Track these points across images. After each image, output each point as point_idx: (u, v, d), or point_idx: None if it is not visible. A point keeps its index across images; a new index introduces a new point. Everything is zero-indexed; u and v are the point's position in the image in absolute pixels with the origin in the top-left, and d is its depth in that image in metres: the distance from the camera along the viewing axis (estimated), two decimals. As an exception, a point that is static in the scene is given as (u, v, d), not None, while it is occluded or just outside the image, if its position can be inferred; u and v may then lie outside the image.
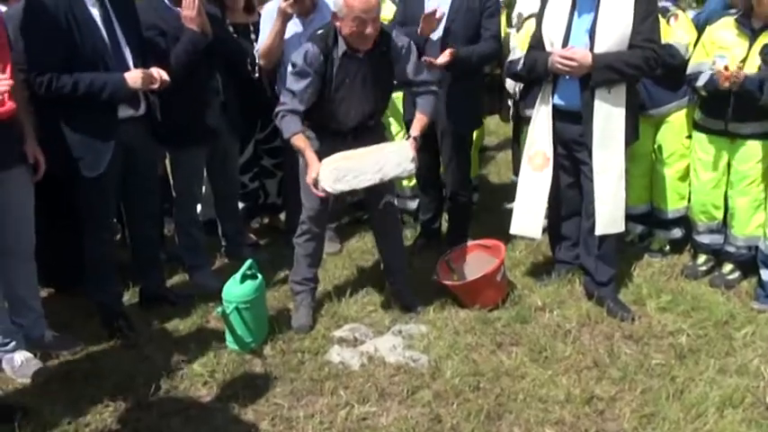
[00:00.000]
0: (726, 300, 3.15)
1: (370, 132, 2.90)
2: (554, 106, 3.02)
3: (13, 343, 2.63)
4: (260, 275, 2.91)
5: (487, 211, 4.40)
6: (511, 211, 4.34)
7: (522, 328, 2.92)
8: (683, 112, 3.41)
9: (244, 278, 2.82)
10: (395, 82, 2.94)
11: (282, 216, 4.13)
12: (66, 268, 3.20)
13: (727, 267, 3.33)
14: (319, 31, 2.74)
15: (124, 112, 2.79)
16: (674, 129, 3.43)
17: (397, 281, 3.17)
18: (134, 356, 2.76)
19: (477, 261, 3.26)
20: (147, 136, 2.95)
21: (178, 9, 3.02)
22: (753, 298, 3.13)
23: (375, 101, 2.86)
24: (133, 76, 2.69)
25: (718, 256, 3.40)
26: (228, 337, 2.81)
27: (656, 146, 3.49)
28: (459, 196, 3.66)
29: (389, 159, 2.68)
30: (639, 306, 3.09)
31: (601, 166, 2.92)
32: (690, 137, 3.39)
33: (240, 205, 3.82)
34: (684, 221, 3.58)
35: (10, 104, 2.41)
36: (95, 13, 2.68)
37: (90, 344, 2.84)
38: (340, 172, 2.63)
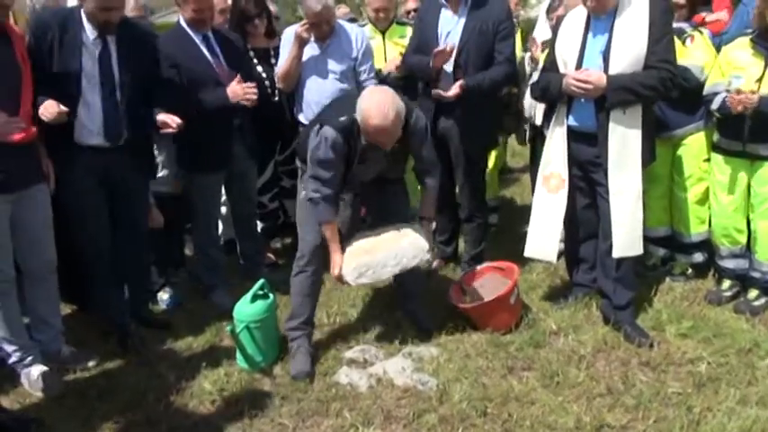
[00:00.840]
0: (750, 327, 3.04)
1: (390, 183, 3.02)
2: (569, 127, 2.99)
3: (31, 357, 2.71)
4: (271, 295, 2.95)
5: (507, 233, 4.36)
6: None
7: (536, 352, 2.87)
8: (701, 134, 3.33)
9: (255, 298, 2.86)
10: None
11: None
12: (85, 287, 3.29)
13: (753, 293, 3.22)
14: (342, 119, 2.66)
15: (95, 140, 2.78)
16: (692, 151, 3.36)
17: (413, 303, 3.16)
18: (147, 373, 2.81)
19: (491, 283, 3.22)
20: (131, 164, 2.92)
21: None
22: (779, 325, 3.02)
23: (395, 167, 2.97)
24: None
25: (744, 281, 3.29)
26: (239, 355, 2.83)
27: (673, 168, 3.42)
28: (474, 218, 3.64)
29: (406, 252, 2.78)
30: (658, 332, 3.01)
31: (617, 188, 2.88)
32: (708, 160, 3.31)
33: (260, 225, 3.88)
34: (707, 245, 3.49)
35: (33, 129, 2.53)
36: (89, 44, 2.71)
37: (105, 360, 2.91)
38: (362, 268, 2.76)
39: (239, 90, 3.15)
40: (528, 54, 3.75)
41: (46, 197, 2.68)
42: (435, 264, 3.78)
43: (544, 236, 3.12)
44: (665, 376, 2.68)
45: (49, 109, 2.55)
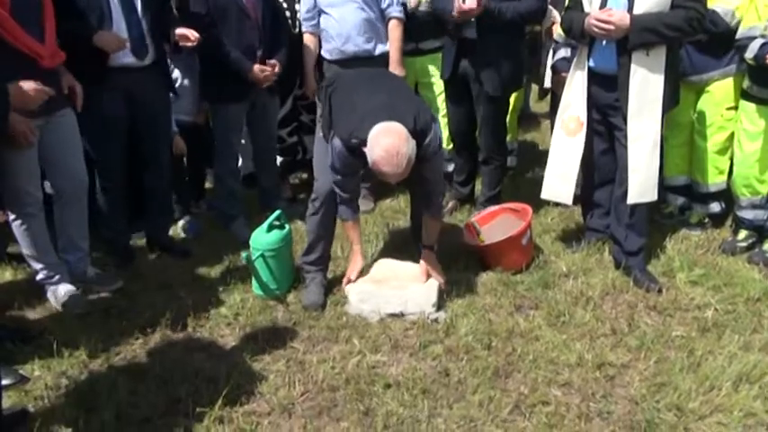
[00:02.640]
0: (762, 277, 3.03)
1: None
2: (589, 69, 2.93)
3: (58, 276, 2.83)
4: (287, 226, 3.01)
5: (524, 176, 4.35)
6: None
7: (544, 292, 2.91)
8: (727, 81, 3.22)
9: (271, 228, 2.92)
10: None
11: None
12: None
13: (769, 244, 3.20)
14: (354, 141, 2.53)
15: (125, 59, 2.85)
16: (715, 99, 3.26)
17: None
18: (166, 296, 2.92)
19: (504, 224, 3.24)
20: (154, 85, 3.00)
21: None
22: (791, 277, 3.01)
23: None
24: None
25: (761, 232, 3.25)
26: (254, 282, 2.92)
27: (694, 116, 3.34)
28: (493, 160, 3.63)
29: (412, 299, 2.74)
30: (669, 278, 3.02)
31: (635, 134, 2.84)
32: (731, 108, 3.22)
33: (278, 159, 3.92)
34: (724, 196, 3.44)
35: (60, 53, 2.56)
36: None
37: (127, 283, 3.02)
38: (366, 295, 2.76)
39: (260, 75, 3.27)
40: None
41: (72, 121, 2.73)
42: (450, 205, 3.79)
43: (561, 179, 3.11)
44: (670, 320, 2.71)
45: (112, 43, 2.71)
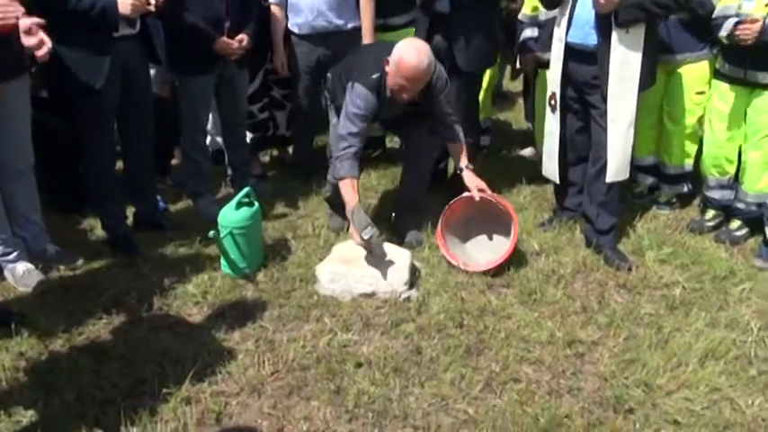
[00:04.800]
0: (728, 256, 3.09)
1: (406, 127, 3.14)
2: (567, 44, 2.91)
3: (16, 253, 2.73)
4: (256, 203, 2.95)
5: (498, 155, 4.35)
6: (521, 157, 4.37)
7: (516, 271, 2.92)
8: (699, 64, 3.24)
9: (239, 205, 2.86)
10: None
11: (291, 150, 4.14)
12: (70, 192, 3.32)
13: (735, 224, 3.25)
14: (374, 76, 2.82)
15: (121, 30, 2.78)
16: (686, 81, 3.28)
17: (407, 216, 3.20)
18: (131, 275, 2.85)
19: (483, 220, 3.11)
20: (142, 55, 2.95)
21: None
22: (756, 255, 3.06)
23: (416, 112, 3.04)
24: (124, 2, 2.65)
25: (728, 212, 3.31)
26: (223, 261, 2.87)
27: (665, 98, 3.36)
28: (465, 137, 3.59)
29: (384, 278, 2.72)
30: (638, 257, 3.06)
31: (615, 112, 2.85)
32: (701, 93, 3.26)
33: (249, 136, 3.83)
34: (692, 176, 3.49)
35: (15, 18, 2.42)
36: None
37: (89, 260, 2.94)
38: (336, 275, 2.74)
39: (226, 48, 3.17)
40: None
41: (25, 92, 2.61)
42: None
43: (548, 156, 3.14)
44: (639, 298, 2.75)
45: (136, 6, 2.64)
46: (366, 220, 2.74)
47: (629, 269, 2.93)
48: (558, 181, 3.22)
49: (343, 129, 2.84)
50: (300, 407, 2.13)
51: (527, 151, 4.37)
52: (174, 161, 3.97)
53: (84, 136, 2.88)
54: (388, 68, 2.78)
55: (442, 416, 2.09)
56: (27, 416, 2.04)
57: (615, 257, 2.98)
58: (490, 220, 3.08)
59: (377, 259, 2.79)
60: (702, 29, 3.13)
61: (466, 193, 3.02)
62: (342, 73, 3.00)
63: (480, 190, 2.96)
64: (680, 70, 3.28)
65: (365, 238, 2.71)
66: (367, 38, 3.55)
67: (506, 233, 2.98)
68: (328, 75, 3.15)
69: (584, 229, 3.16)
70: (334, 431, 2.03)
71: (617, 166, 2.93)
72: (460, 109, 3.47)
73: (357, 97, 2.81)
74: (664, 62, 3.24)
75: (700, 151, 3.40)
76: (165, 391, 2.14)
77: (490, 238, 3.13)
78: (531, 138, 4.22)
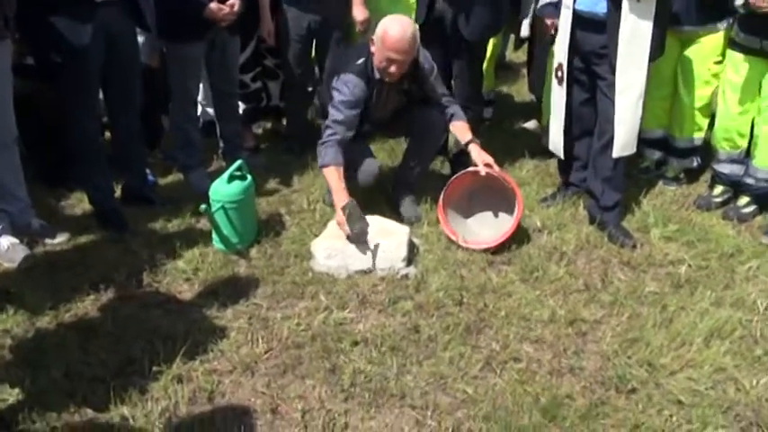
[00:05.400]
0: (736, 233, 3.08)
1: (400, 118, 3.15)
2: (575, 12, 2.85)
3: (0, 227, 2.70)
4: (249, 177, 2.92)
5: (500, 128, 4.31)
6: (524, 130, 4.34)
7: (518, 247, 2.91)
8: (717, 35, 3.18)
9: (231, 178, 2.84)
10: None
11: (285, 121, 4.10)
12: (56, 165, 3.28)
13: (744, 200, 3.23)
14: (359, 62, 2.88)
15: None
16: (704, 51, 3.22)
17: (405, 192, 3.20)
18: (119, 250, 2.83)
19: (487, 196, 3.10)
20: (128, 21, 2.89)
21: None
22: (764, 232, 3.05)
23: (409, 101, 3.11)
24: None
25: (737, 188, 3.29)
26: (215, 236, 2.85)
27: (680, 68, 3.31)
28: (468, 110, 3.54)
29: (381, 254, 2.72)
30: (643, 234, 3.05)
31: (623, 84, 2.81)
32: (719, 62, 3.20)
33: (241, 107, 3.79)
34: (702, 150, 3.47)
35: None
36: None
37: (77, 235, 2.92)
38: (332, 251, 2.72)
39: (217, 13, 3.10)
40: None
41: (5, 58, 2.55)
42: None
43: (554, 131, 3.11)
44: (644, 276, 2.74)
45: None
46: (361, 220, 2.73)
47: (634, 246, 2.92)
48: (562, 156, 3.20)
49: (329, 118, 2.88)
50: (295, 385, 2.13)
51: (530, 124, 4.33)
52: (163, 133, 3.92)
53: (69, 101, 2.82)
54: (373, 48, 2.85)
55: (441, 395, 2.10)
56: (14, 394, 2.04)
57: (619, 234, 2.97)
58: (494, 196, 3.06)
59: (375, 235, 2.77)
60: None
61: (471, 168, 3.00)
62: (327, 79, 3.08)
63: (487, 165, 2.95)
64: (696, 40, 3.22)
65: (355, 232, 2.70)
66: (356, 5, 3.50)
67: (510, 210, 2.96)
68: (318, 89, 3.24)
69: (588, 205, 3.15)
70: (329, 410, 2.03)
71: (624, 141, 2.90)
72: (464, 81, 3.44)
73: (344, 84, 2.87)
74: (679, 32, 3.18)
75: (711, 125, 3.37)
76: (155, 369, 2.14)
77: (494, 215, 3.12)
78: (535, 110, 4.18)
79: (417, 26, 2.88)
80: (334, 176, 2.81)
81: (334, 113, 2.88)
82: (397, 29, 2.78)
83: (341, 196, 2.77)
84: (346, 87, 2.86)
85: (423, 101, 3.12)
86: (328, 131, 2.87)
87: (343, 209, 2.73)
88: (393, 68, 2.84)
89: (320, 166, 2.87)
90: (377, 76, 2.91)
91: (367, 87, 2.90)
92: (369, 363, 2.21)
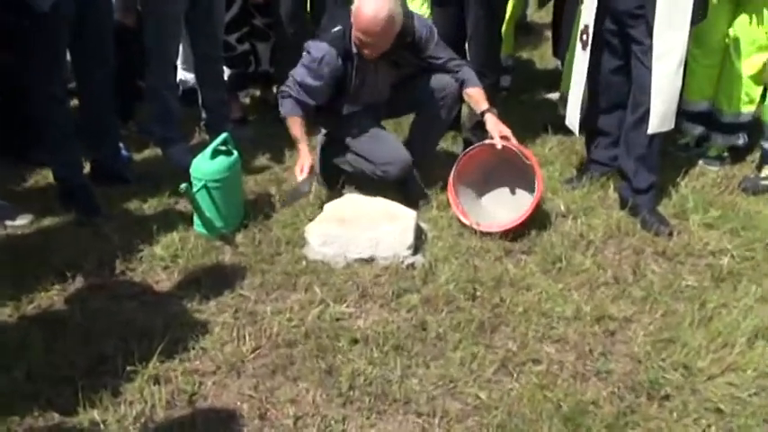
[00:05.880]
0: (786, 220, 3.07)
1: (404, 90, 3.14)
2: (608, -34, 2.83)
3: (-46, 208, 2.71)
4: (235, 152, 2.92)
5: (520, 98, 4.30)
6: (547, 101, 4.32)
7: (538, 234, 2.91)
8: None
9: (216, 153, 2.83)
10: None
11: (276, 89, 4.07)
12: (17, 138, 3.28)
13: (796, 183, 3.23)
14: (336, 29, 2.87)
15: None
16: (759, 11, 3.17)
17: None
18: (89, 234, 2.83)
19: (504, 174, 3.09)
20: None
21: None
22: (819, 220, 3.05)
23: (401, 78, 3.12)
24: None
25: (790, 169, 3.28)
26: (196, 219, 2.85)
27: (731, 31, 3.27)
28: (483, 77, 3.51)
29: (384, 241, 2.71)
30: (681, 220, 3.05)
31: (661, 49, 2.79)
32: None
33: (226, 72, 3.79)
34: (749, 127, 3.44)
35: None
36: None
37: (41, 216, 2.93)
38: (329, 237, 2.72)
39: None
40: None
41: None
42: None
43: (572, 103, 3.09)
44: (680, 268, 2.74)
45: None
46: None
47: (670, 234, 2.91)
48: (577, 133, 3.18)
49: (294, 72, 2.92)
50: (286, 388, 2.14)
51: (554, 95, 4.30)
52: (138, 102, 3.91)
53: (32, 63, 2.80)
54: (352, 19, 2.83)
55: (450, 401, 2.11)
56: (-30, 396, 2.05)
57: (654, 221, 2.96)
58: (511, 174, 3.05)
59: (377, 219, 2.77)
60: None
61: (486, 141, 2.99)
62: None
63: (504, 138, 2.93)
64: (752, 2, 3.18)
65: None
66: None
67: (530, 190, 2.95)
68: None
69: (619, 188, 3.14)
70: (324, 416, 2.04)
71: (661, 114, 2.88)
72: (479, 44, 3.41)
73: (314, 49, 2.87)
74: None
75: (762, 98, 3.34)
76: (129, 368, 2.14)
77: (512, 195, 3.11)
78: (560, 78, 4.15)
79: (399, 8, 2.83)
80: (297, 131, 2.95)
81: (300, 71, 2.90)
82: (370, 7, 2.73)
83: (302, 145, 2.96)
84: (316, 52, 2.86)
85: (426, 70, 3.10)
86: (288, 83, 2.94)
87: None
88: (366, 51, 2.86)
89: (282, 115, 2.98)
90: (355, 49, 2.90)
91: (343, 62, 2.88)
92: (369, 363, 2.21)
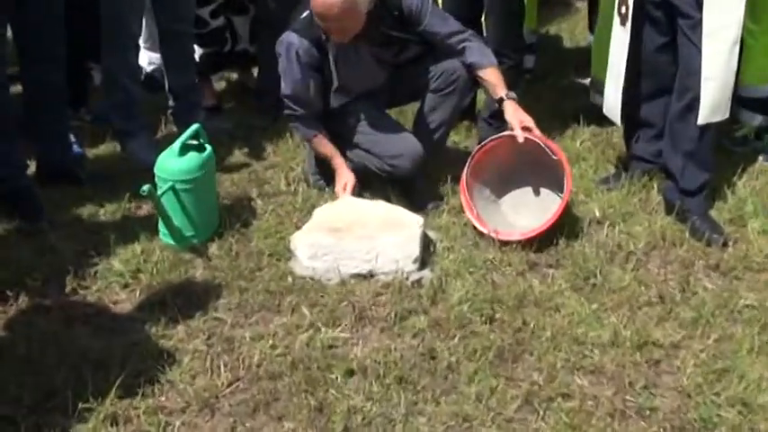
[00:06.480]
0: None
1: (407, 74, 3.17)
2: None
3: None
4: (208, 147, 2.94)
5: (546, 83, 4.32)
6: (580, 86, 4.33)
7: (568, 245, 2.91)
8: None
9: (185, 149, 2.84)
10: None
11: (256, 71, 4.11)
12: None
13: None
14: (304, 15, 2.92)
15: None
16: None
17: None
18: (34, 246, 2.85)
19: (527, 172, 3.11)
20: None
21: None
22: None
23: (400, 60, 3.15)
24: None
25: None
26: (162, 227, 2.87)
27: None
28: (503, 58, 3.53)
29: (385, 252, 2.72)
30: (738, 227, 3.06)
31: (714, 24, 2.80)
32: None
33: (197, 51, 3.82)
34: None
35: None
36: None
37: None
38: (319, 249, 2.73)
39: None
40: None
41: None
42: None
43: (611, 88, 3.12)
44: (737, 284, 2.75)
45: None
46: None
47: (725, 244, 2.92)
48: (619, 122, 3.19)
49: (282, 88, 3.05)
50: (269, 429, 2.14)
51: (588, 79, 4.31)
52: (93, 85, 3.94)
53: None
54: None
55: (464, 444, 2.11)
56: None
57: (705, 227, 2.97)
58: (535, 172, 3.07)
59: (376, 227, 2.78)
60: None
61: (505, 132, 3.00)
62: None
63: (525, 128, 2.93)
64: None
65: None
66: None
67: (558, 190, 2.96)
68: None
69: (664, 189, 3.15)
70: (314, 463, 2.05)
71: (713, 102, 2.89)
72: (497, 18, 3.43)
73: (284, 48, 2.97)
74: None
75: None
76: (82, 405, 2.14)
77: (536, 195, 3.13)
78: (593, 58, 4.17)
79: None
80: (321, 148, 3.06)
81: (282, 88, 3.04)
82: None
83: (338, 161, 3.07)
84: (287, 55, 2.96)
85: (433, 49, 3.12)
86: (284, 107, 3.09)
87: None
88: (333, 35, 2.90)
89: (305, 140, 3.14)
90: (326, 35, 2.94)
91: (318, 50, 2.94)
92: (368, 399, 2.21)
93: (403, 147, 3.06)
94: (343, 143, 3.13)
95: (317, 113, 3.07)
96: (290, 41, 2.94)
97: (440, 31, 3.06)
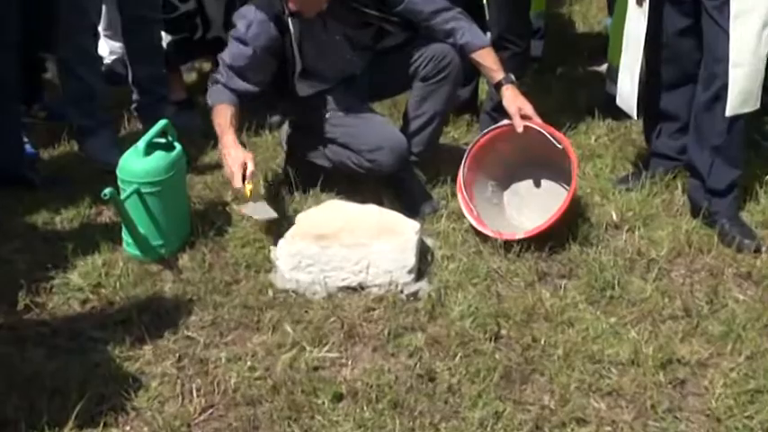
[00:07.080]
0: None
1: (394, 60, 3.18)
2: None
3: None
4: (178, 145, 2.94)
5: (556, 71, 4.36)
6: (594, 75, 4.36)
7: (582, 252, 2.93)
8: None
9: (151, 147, 2.85)
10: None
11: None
12: None
13: None
14: None
15: None
16: None
17: (413, 167, 3.23)
18: (-18, 257, 2.86)
19: (532, 165, 3.15)
20: None
21: None
22: None
23: (384, 43, 3.19)
24: None
25: None
26: (126, 236, 2.87)
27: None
28: (507, 44, 3.56)
29: (378, 261, 2.74)
30: (771, 231, 3.08)
31: (742, 4, 2.83)
32: None
33: (165, 39, 3.84)
34: None
35: None
36: None
37: None
38: (304, 259, 2.74)
39: None
40: None
41: None
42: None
43: (626, 77, 3.14)
44: (771, 295, 2.77)
45: None
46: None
47: (757, 251, 2.95)
48: (635, 115, 3.22)
49: (223, 54, 3.07)
50: (248, 461, 2.15)
51: (603, 66, 4.34)
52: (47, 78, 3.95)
53: None
54: None
55: (467, 475, 2.13)
56: None
57: (735, 231, 3.00)
58: (541, 168, 3.10)
59: (366, 234, 2.79)
60: None
61: (504, 121, 3.02)
62: None
63: (525, 116, 2.95)
64: None
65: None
66: None
67: (566, 182, 2.99)
68: None
69: (689, 189, 3.18)
70: (299, 498, 2.06)
71: (743, 90, 2.91)
72: (502, 1, 3.45)
73: (239, 19, 3.00)
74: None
75: None
76: (37, 436, 2.14)
77: (542, 195, 3.15)
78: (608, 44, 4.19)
79: None
80: (220, 119, 2.98)
81: (224, 54, 3.06)
82: None
83: (227, 138, 2.93)
84: (243, 24, 2.98)
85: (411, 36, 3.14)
86: (215, 71, 3.12)
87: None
88: (293, 6, 2.90)
89: (209, 104, 3.09)
90: (288, 9, 2.94)
91: (277, 26, 2.96)
92: (359, 426, 2.21)
93: (382, 138, 3.05)
94: (319, 138, 3.13)
95: (243, 89, 3.02)
96: (246, 14, 2.98)
97: (423, 9, 3.06)
